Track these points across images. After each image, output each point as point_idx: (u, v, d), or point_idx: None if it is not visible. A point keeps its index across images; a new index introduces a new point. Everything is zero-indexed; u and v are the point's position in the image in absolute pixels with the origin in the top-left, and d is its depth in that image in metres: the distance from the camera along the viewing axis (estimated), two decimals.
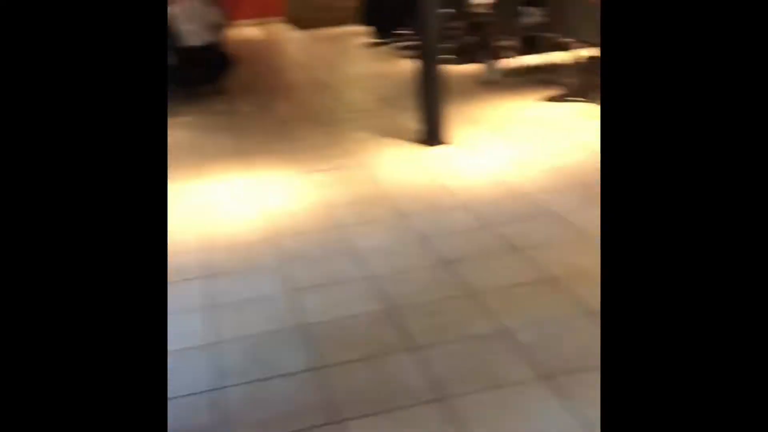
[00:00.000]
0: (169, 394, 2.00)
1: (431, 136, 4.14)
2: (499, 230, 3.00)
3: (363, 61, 7.05)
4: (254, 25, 10.32)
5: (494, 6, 5.53)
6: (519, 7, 5.26)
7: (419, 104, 4.16)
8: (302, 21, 9.13)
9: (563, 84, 5.02)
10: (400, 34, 7.18)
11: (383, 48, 7.30)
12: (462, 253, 2.84)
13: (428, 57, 4.05)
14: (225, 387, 2.14)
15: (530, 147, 4.02)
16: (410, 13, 6.54)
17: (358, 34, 7.79)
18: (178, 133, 4.83)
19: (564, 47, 5.04)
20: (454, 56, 6.26)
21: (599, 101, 4.35)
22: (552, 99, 4.88)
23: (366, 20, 7.91)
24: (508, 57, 5.61)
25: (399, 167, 3.89)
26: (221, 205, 3.57)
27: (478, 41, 5.94)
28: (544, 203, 3.24)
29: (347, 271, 2.77)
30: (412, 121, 4.30)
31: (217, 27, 6.04)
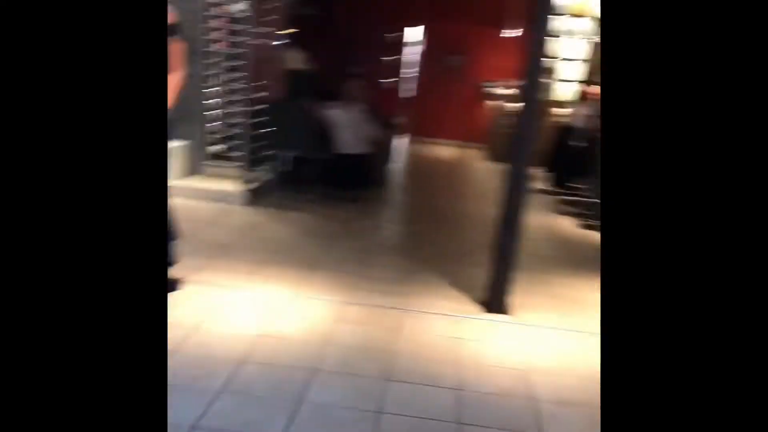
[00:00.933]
0: None
1: (492, 300, 3.67)
2: None
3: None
4: (453, 146, 10.48)
5: None
6: None
7: (491, 259, 3.71)
8: (499, 153, 9.03)
9: None
10: (573, 188, 6.75)
11: (552, 198, 6.89)
12: None
13: (510, 206, 3.59)
14: None
15: (591, 341, 3.36)
16: (590, 167, 6.15)
17: (541, 177, 7.45)
18: (280, 226, 4.91)
19: None
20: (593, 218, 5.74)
21: None
22: None
23: (549, 166, 7.59)
24: None
25: (430, 325, 3.46)
26: (219, 315, 3.40)
27: None
28: (545, 417, 2.63)
29: None
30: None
31: (373, 141, 6.17)
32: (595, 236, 5.56)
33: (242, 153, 5.66)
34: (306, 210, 5.49)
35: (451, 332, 3.39)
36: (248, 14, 5.48)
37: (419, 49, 10.54)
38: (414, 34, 10.48)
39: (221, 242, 4.47)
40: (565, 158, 7.24)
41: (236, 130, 5.67)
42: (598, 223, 5.73)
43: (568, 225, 5.98)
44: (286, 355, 2.94)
